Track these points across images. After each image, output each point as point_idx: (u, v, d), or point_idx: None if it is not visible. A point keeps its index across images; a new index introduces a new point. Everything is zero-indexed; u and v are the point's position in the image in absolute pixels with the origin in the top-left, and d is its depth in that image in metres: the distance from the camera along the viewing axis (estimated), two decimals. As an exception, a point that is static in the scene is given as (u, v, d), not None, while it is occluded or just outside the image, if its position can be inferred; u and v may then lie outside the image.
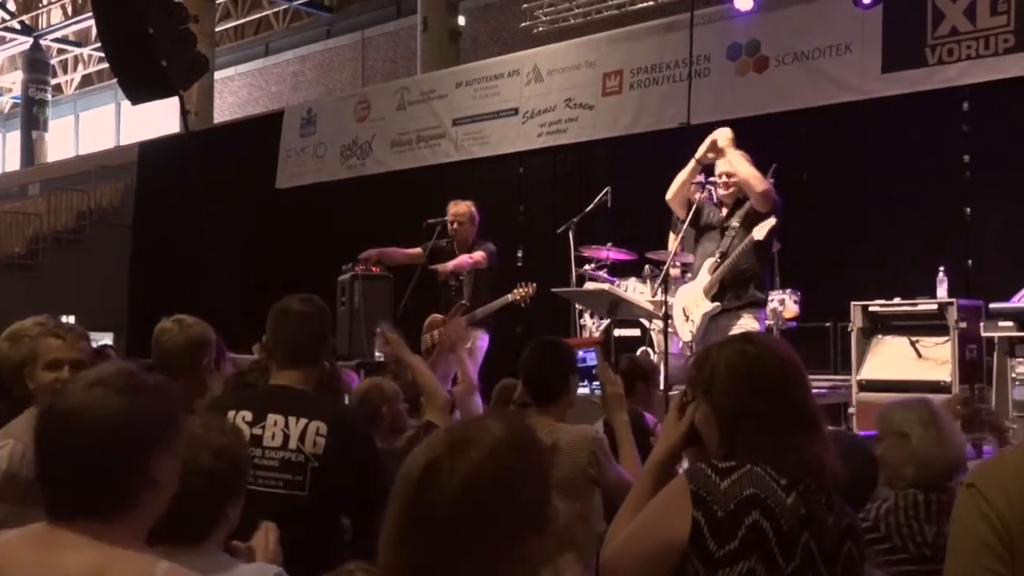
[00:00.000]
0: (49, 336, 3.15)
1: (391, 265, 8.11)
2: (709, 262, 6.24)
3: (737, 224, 6.20)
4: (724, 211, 6.33)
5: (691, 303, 6.33)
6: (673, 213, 6.70)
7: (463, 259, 7.32)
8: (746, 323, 6.07)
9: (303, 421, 3.02)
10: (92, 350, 3.48)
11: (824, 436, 2.15)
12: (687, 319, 6.36)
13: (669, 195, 6.47)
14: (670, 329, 6.63)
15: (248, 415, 3.04)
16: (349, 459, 3.01)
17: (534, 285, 6.92)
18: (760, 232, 6.01)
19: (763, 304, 6.32)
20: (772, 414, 2.09)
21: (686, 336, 6.42)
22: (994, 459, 1.84)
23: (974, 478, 1.73)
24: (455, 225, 7.43)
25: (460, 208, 7.47)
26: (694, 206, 6.37)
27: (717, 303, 6.17)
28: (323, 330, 3.27)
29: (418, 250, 7.63)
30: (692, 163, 6.37)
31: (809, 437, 2.10)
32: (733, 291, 6.16)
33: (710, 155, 6.32)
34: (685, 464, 2.36)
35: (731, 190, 6.24)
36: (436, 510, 1.47)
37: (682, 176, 6.40)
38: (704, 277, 6.24)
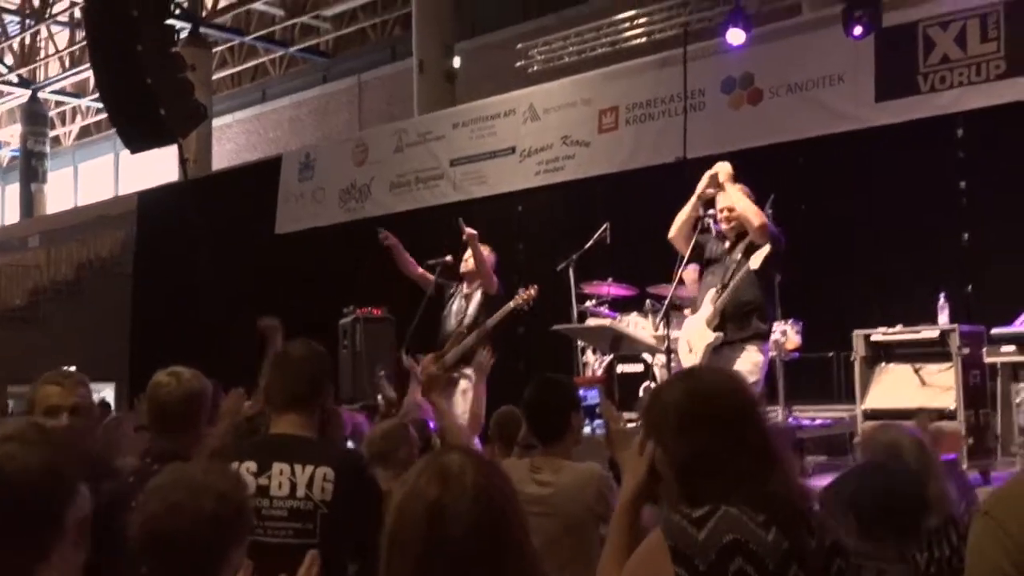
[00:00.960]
0: (48, 384, 3.15)
1: (401, 269, 7.94)
2: (711, 293, 6.23)
3: (739, 256, 6.20)
4: (727, 244, 6.34)
5: (695, 335, 6.31)
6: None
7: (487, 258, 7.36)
8: (750, 355, 6.06)
9: (309, 468, 3.01)
10: (91, 396, 3.48)
11: (783, 462, 2.07)
12: (691, 351, 6.34)
13: (672, 233, 6.46)
14: (673, 363, 6.61)
15: (252, 465, 3.02)
16: (357, 504, 3.00)
17: (536, 287, 6.91)
18: (755, 261, 6.01)
19: (766, 336, 6.30)
20: (727, 451, 2.01)
21: (689, 369, 6.40)
22: (1008, 486, 1.81)
23: (989, 507, 1.71)
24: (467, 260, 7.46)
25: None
26: (693, 241, 6.38)
27: (719, 333, 6.15)
28: (322, 374, 3.27)
29: (430, 275, 7.62)
30: (693, 199, 6.38)
31: (770, 468, 2.03)
32: (736, 323, 6.15)
33: (710, 190, 6.34)
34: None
35: (732, 224, 6.25)
36: (450, 547, 1.55)
37: (684, 213, 6.40)
38: (707, 309, 6.23)
